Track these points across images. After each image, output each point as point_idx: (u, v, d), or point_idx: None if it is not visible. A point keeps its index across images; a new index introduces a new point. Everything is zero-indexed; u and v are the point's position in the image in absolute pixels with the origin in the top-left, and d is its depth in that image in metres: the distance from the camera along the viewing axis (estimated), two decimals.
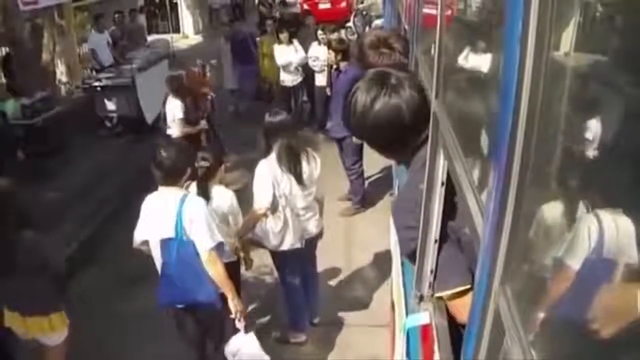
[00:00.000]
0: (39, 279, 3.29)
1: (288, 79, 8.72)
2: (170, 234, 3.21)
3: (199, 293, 3.31)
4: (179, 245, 3.23)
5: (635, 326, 0.64)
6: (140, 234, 3.38)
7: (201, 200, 3.34)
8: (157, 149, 3.33)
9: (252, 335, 3.44)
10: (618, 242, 0.68)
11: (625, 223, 0.67)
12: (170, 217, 3.20)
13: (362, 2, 16.93)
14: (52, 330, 3.43)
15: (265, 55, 9.25)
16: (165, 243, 3.26)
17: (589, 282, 0.77)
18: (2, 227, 3.23)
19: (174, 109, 5.94)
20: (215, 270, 3.24)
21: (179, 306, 3.46)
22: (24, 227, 3.30)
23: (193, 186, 3.53)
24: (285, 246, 3.99)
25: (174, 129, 6.00)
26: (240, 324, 3.39)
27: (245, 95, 9.63)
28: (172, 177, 3.27)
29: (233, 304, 3.34)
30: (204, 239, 3.19)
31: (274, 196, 3.80)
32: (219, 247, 3.28)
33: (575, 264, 0.79)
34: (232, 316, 3.38)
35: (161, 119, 6.53)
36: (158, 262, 3.37)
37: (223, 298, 3.35)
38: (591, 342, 0.73)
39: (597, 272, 0.76)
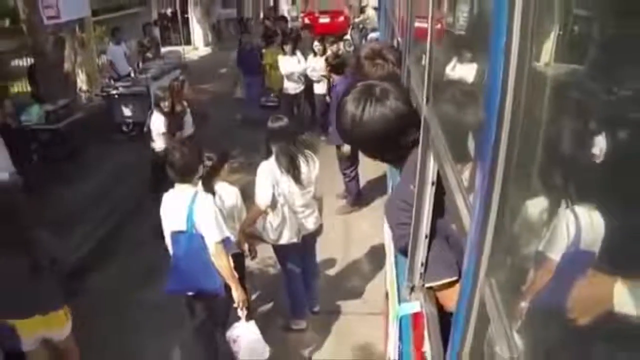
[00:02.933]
0: (53, 276, 3.25)
1: (291, 87, 8.73)
2: (182, 227, 3.24)
3: (205, 282, 3.33)
4: (188, 238, 3.25)
5: (609, 314, 0.64)
6: (164, 229, 3.40)
7: (211, 198, 3.36)
8: (169, 151, 3.36)
9: (252, 324, 3.45)
10: (593, 236, 0.68)
11: (599, 218, 0.67)
12: (182, 212, 3.22)
13: (358, 17, 16.94)
14: (67, 321, 3.39)
15: (271, 65, 9.22)
16: (176, 235, 3.29)
17: (567, 273, 0.77)
18: (12, 227, 3.13)
19: (157, 123, 5.86)
20: (220, 262, 3.26)
21: (189, 294, 3.47)
22: (34, 226, 3.23)
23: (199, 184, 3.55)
24: (284, 240, 4.01)
25: (158, 142, 5.93)
26: (241, 313, 3.40)
27: (252, 103, 9.61)
28: (185, 175, 3.30)
29: (237, 294, 3.35)
30: (212, 233, 3.22)
31: (274, 195, 3.83)
32: (225, 241, 3.30)
33: (554, 256, 0.79)
34: (235, 305, 3.39)
35: (146, 132, 6.30)
36: (170, 253, 3.39)
37: (227, 288, 3.36)
38: (570, 329, 0.73)
39: (574, 264, 0.76)
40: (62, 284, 3.40)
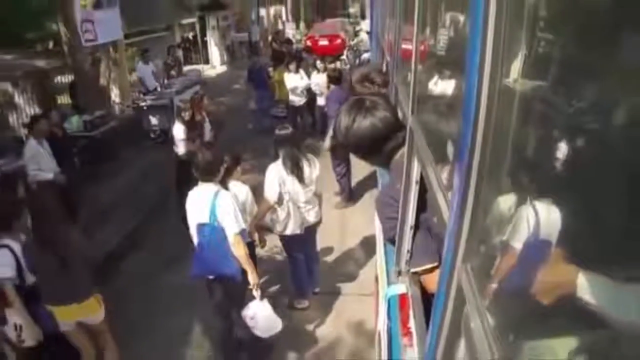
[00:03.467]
0: (85, 269, 3.21)
1: (296, 100, 8.72)
2: (205, 219, 3.23)
3: (225, 267, 3.31)
4: (211, 229, 3.24)
5: (566, 294, 0.64)
6: (189, 222, 3.39)
7: (231, 194, 3.35)
8: (195, 153, 3.36)
9: (266, 302, 3.44)
10: (551, 228, 0.68)
11: (556, 213, 0.67)
12: (206, 207, 3.21)
13: (353, 40, 16.93)
14: (100, 308, 3.32)
15: (279, 81, 9.18)
16: (200, 227, 3.27)
17: (529, 260, 0.77)
18: (48, 224, 3.10)
19: (177, 131, 5.90)
20: (239, 250, 3.25)
21: (210, 277, 3.45)
22: (66, 224, 3.15)
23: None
24: (288, 232, 4.01)
25: (180, 147, 5.94)
26: (256, 293, 3.40)
27: (261, 114, 9.60)
28: (208, 175, 3.29)
29: (252, 277, 3.34)
30: (232, 225, 3.21)
31: (280, 192, 3.83)
32: (242, 232, 3.30)
33: (519, 245, 0.79)
34: (250, 287, 3.39)
35: (171, 137, 6.37)
36: (195, 242, 3.38)
37: (243, 272, 3.35)
38: (533, 307, 0.73)
39: (535, 252, 0.76)
40: (93, 276, 3.34)
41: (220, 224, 3.21)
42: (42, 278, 3.18)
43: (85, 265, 3.24)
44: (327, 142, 5.83)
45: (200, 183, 3.33)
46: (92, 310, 3.28)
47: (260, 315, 3.39)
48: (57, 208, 3.19)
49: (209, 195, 3.24)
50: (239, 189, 3.71)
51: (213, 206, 3.19)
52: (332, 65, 8.37)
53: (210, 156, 3.30)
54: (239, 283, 3.41)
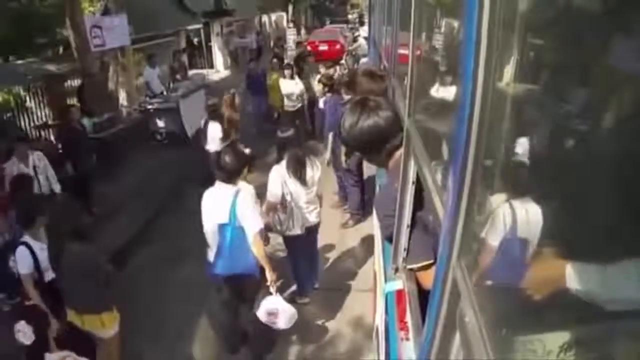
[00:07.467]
0: (87, 284, 2.99)
1: (290, 105, 8.63)
2: (225, 220, 3.17)
3: (245, 266, 3.27)
4: (232, 229, 3.18)
5: (556, 288, 0.64)
6: (205, 222, 3.31)
7: (250, 194, 3.29)
8: (219, 154, 3.28)
9: (279, 296, 3.43)
10: (539, 225, 0.68)
11: (544, 211, 0.68)
12: (226, 207, 3.15)
13: (352, 45, 16.91)
14: (104, 327, 3.11)
15: (272, 87, 9.00)
16: (221, 227, 3.21)
17: (520, 256, 0.77)
18: (57, 239, 3.05)
19: (214, 130, 5.87)
20: (258, 248, 3.21)
21: (225, 275, 3.37)
22: (74, 239, 2.99)
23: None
24: (290, 232, 3.99)
25: (212, 146, 5.91)
26: (273, 289, 3.37)
27: (259, 119, 9.56)
28: (232, 176, 3.22)
29: (270, 274, 3.30)
30: (252, 224, 3.17)
31: (283, 194, 3.80)
32: (261, 231, 3.26)
33: (509, 243, 0.80)
34: (268, 284, 3.35)
35: (201, 136, 6.40)
36: (212, 242, 3.31)
37: (260, 270, 3.32)
38: (525, 302, 0.74)
39: (525, 248, 0.77)
40: (101, 294, 3.09)
41: (240, 223, 3.16)
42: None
43: (90, 283, 3.01)
44: (327, 156, 5.79)
45: (217, 183, 3.25)
46: (92, 326, 3.12)
47: (281, 309, 3.37)
48: (57, 219, 3.11)
49: (228, 195, 3.16)
50: (245, 188, 3.70)
51: (233, 206, 3.13)
52: (330, 71, 8.29)
53: (236, 157, 3.22)
54: (256, 280, 3.38)
